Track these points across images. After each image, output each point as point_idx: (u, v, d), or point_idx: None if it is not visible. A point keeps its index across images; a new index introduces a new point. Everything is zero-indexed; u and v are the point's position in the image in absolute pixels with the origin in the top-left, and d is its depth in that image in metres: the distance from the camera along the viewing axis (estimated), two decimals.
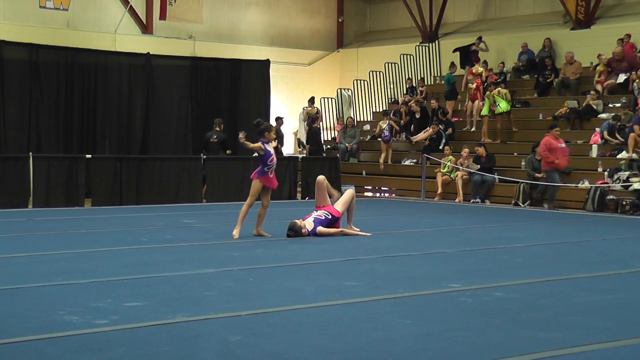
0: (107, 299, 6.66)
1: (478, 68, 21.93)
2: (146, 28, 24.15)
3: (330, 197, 11.59)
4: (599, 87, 20.14)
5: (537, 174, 17.54)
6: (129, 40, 23.40)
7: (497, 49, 23.95)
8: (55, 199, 16.23)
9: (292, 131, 25.92)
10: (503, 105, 20.00)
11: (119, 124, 20.49)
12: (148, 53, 21.29)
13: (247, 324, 5.88)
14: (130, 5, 23.67)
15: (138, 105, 20.80)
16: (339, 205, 11.52)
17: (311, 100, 24.78)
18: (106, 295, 6.83)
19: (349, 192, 11.87)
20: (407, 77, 25.46)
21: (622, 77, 20.03)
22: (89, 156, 17.08)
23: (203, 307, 6.43)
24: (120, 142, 20.41)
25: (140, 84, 20.83)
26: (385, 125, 21.84)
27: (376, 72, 25.84)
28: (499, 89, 20.27)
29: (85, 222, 13.39)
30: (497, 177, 18.37)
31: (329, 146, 24.15)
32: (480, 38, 23.48)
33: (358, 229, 11.61)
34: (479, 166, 18.50)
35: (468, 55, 23.19)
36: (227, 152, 19.55)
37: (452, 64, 23.25)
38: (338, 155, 22.02)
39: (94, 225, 12.88)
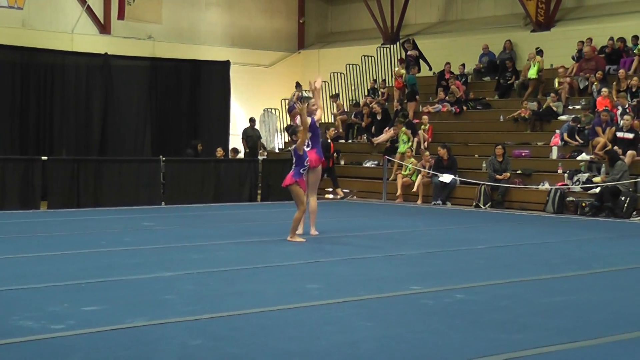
0: (64, 303, 6.58)
1: (400, 70, 22.72)
2: (104, 28, 23.94)
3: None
4: (561, 92, 20.31)
5: (497, 176, 17.70)
6: (86, 40, 23.19)
7: (458, 50, 24.15)
8: (10, 202, 15.99)
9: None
10: (401, 147, 20.12)
11: (76, 126, 20.29)
12: (106, 53, 21.11)
13: (208, 327, 5.85)
14: (88, 5, 23.45)
15: (96, 106, 20.62)
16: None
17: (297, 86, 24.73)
18: (63, 299, 6.74)
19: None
20: (367, 78, 25.57)
21: (583, 84, 20.27)
22: (45, 158, 16.88)
23: (163, 310, 6.38)
24: (78, 144, 20.21)
25: (98, 84, 20.65)
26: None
27: (337, 73, 25.89)
28: (403, 128, 20.38)
29: (42, 225, 13.22)
30: (458, 178, 18.48)
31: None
32: (407, 41, 23.99)
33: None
34: (452, 177, 18.33)
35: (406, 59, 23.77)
36: (335, 155, 20.07)
37: (413, 65, 23.34)
38: None
39: (50, 228, 12.73)
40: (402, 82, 22.72)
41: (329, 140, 19.98)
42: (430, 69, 24.06)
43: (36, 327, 5.78)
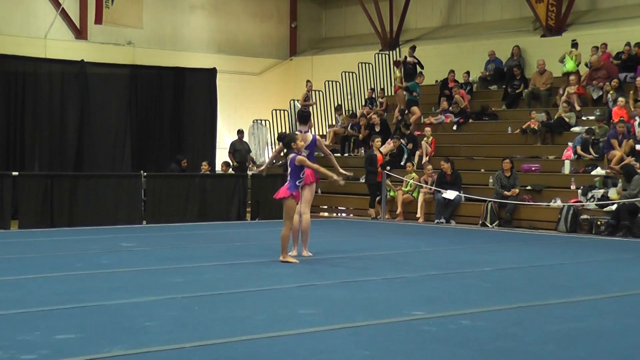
0: (36, 331, 6.56)
1: (396, 73, 23.05)
2: (80, 33, 23.98)
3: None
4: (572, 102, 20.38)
5: (505, 192, 17.72)
6: (61, 46, 23.22)
7: (462, 57, 24.23)
8: None
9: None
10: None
11: (50, 138, 20.30)
12: (82, 60, 21.17)
13: (192, 356, 5.83)
14: (62, 8, 23.49)
15: (71, 117, 20.64)
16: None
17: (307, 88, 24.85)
18: (34, 327, 6.72)
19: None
20: (365, 87, 25.64)
21: (596, 93, 20.35)
22: (15, 173, 16.86)
23: (143, 338, 6.36)
24: (52, 158, 20.23)
25: (74, 94, 20.69)
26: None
27: (332, 82, 25.95)
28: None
29: (12, 246, 13.20)
30: (462, 195, 18.50)
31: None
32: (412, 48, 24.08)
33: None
34: (457, 193, 18.35)
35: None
36: (387, 168, 19.95)
37: (419, 73, 23.34)
38: None
39: (21, 249, 12.70)
40: (398, 87, 22.82)
41: (375, 153, 19.80)
42: (422, 68, 23.93)
43: (5, 357, 5.75)
